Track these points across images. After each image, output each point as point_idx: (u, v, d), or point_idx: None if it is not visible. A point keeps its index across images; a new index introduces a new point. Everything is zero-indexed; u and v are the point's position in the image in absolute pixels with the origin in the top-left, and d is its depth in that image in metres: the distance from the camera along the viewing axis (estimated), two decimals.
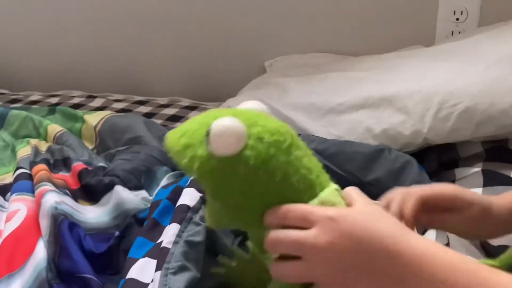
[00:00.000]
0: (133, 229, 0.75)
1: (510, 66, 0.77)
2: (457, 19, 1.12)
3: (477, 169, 0.77)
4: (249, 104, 0.48)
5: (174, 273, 0.56)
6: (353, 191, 0.47)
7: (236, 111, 0.46)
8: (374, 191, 0.78)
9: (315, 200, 0.44)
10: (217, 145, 0.42)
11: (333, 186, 0.47)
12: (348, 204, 0.45)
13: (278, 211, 0.43)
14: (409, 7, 1.16)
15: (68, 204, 0.81)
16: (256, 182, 0.43)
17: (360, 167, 0.80)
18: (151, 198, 0.83)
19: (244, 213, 0.45)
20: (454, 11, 1.12)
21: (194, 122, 0.45)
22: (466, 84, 0.79)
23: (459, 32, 1.12)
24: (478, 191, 0.74)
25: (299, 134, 0.85)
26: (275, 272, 0.43)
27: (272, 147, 0.43)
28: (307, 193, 0.44)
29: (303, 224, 0.41)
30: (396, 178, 0.77)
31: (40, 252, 0.72)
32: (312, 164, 0.46)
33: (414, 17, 1.17)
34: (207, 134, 0.42)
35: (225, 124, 0.42)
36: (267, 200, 0.44)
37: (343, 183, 0.79)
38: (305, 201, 0.44)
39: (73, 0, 1.53)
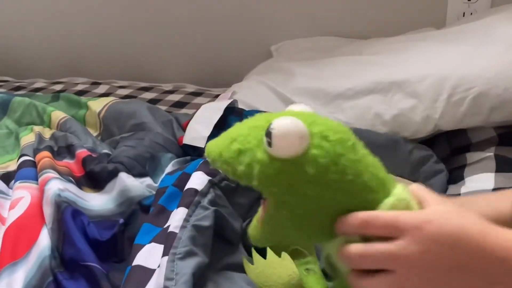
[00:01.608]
0: (137, 216, 0.74)
1: None
2: None
3: (489, 153, 0.75)
4: (296, 107, 0.45)
5: (182, 259, 0.55)
6: (420, 190, 0.43)
7: (288, 113, 0.42)
8: None
9: (391, 198, 0.41)
10: (281, 146, 0.38)
11: (401, 184, 0.43)
12: (420, 204, 0.42)
13: (355, 219, 0.39)
14: None
15: (72, 191, 0.80)
16: (327, 184, 0.39)
17: None
18: (155, 185, 0.82)
19: (313, 220, 0.41)
20: None
21: (241, 128, 0.42)
22: (479, 68, 0.76)
23: (471, 13, 1.09)
24: (490, 176, 0.72)
25: None
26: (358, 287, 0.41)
27: (338, 145, 0.40)
28: (380, 192, 0.41)
29: (388, 233, 0.39)
30: (413, 172, 0.75)
31: (44, 240, 0.71)
32: (376, 162, 0.43)
33: None
34: (268, 135, 0.38)
35: (286, 123, 0.38)
36: (340, 203, 0.40)
37: None
38: (381, 200, 0.40)
39: None
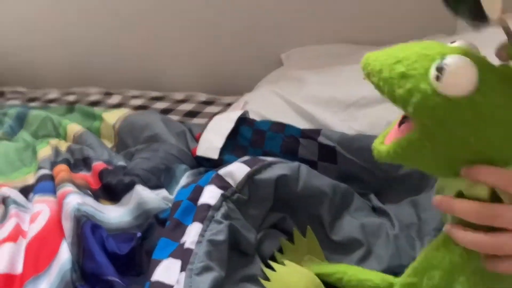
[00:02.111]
0: (154, 230, 0.75)
1: None
2: None
3: None
4: (461, 43, 0.44)
5: (198, 274, 0.56)
6: None
7: (460, 49, 0.42)
8: (404, 187, 0.77)
9: None
10: (449, 84, 0.39)
11: None
12: None
13: (502, 173, 0.39)
14: None
15: (90, 204, 0.81)
16: (478, 130, 0.40)
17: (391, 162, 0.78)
18: (171, 197, 0.83)
19: (449, 156, 0.42)
20: None
21: (408, 51, 0.42)
22: None
23: None
24: None
25: (320, 130, 0.85)
26: (481, 243, 0.41)
27: (501, 97, 0.40)
28: None
29: None
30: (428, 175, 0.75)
31: (64, 254, 0.72)
32: None
33: (435, 4, 1.14)
34: (439, 69, 0.39)
35: (462, 63, 0.39)
36: (483, 151, 0.41)
37: (371, 179, 0.78)
38: None
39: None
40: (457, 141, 0.40)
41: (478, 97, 0.39)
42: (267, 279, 0.62)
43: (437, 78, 0.39)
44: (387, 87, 0.42)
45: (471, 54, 0.41)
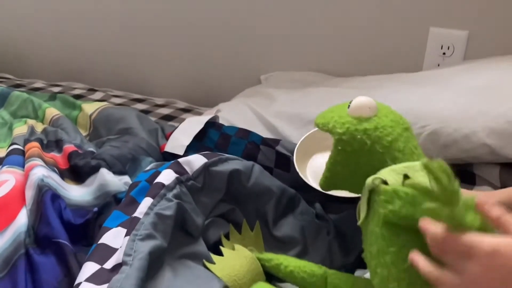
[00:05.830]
0: (111, 207, 0.79)
1: (476, 96, 0.83)
2: (444, 53, 1.19)
3: None
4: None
5: (141, 240, 0.60)
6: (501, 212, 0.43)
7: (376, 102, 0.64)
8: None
9: (417, 163, 0.55)
10: (354, 108, 0.61)
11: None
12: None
13: (439, 235, 0.43)
14: (400, 39, 1.23)
15: (54, 179, 0.85)
16: (374, 136, 0.59)
17: None
18: None
19: (360, 166, 0.60)
20: (442, 46, 1.18)
21: (341, 105, 0.65)
22: (435, 109, 0.84)
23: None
24: None
25: (279, 140, 0.92)
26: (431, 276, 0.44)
27: (392, 122, 0.61)
28: (409, 158, 0.59)
29: (464, 255, 0.42)
30: None
31: (22, 219, 0.76)
32: (419, 149, 0.63)
33: (405, 48, 1.23)
34: (350, 102, 0.62)
35: (364, 98, 0.62)
36: (379, 151, 0.59)
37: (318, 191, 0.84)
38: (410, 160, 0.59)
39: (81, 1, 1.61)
40: (360, 144, 0.59)
41: (375, 118, 0.61)
42: (212, 262, 0.67)
43: (348, 107, 0.62)
44: (321, 120, 0.65)
45: (379, 103, 0.64)
